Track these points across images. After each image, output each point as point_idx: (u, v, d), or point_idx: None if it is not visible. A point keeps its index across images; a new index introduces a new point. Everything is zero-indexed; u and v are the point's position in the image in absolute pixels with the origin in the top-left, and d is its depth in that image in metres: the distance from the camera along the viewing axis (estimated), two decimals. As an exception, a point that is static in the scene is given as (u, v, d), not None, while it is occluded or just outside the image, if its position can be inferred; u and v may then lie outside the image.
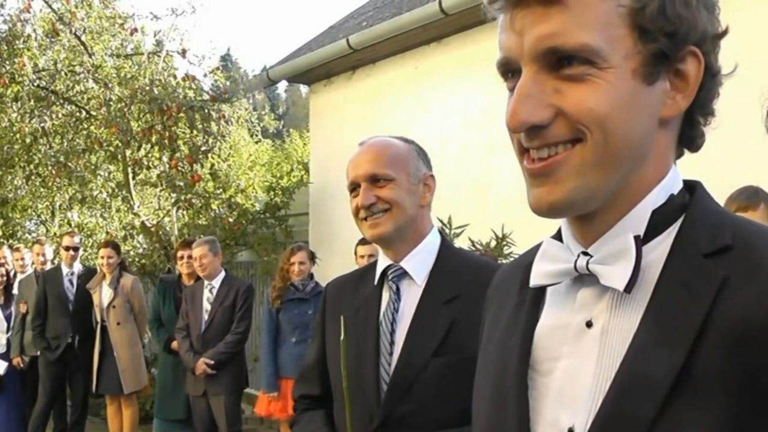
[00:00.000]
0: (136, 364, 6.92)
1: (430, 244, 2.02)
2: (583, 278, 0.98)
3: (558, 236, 1.05)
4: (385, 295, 2.00)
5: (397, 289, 1.98)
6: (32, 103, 9.09)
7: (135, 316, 6.95)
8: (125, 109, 8.35)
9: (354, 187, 1.98)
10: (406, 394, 1.86)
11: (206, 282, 5.94)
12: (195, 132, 8.36)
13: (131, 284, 6.92)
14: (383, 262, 2.02)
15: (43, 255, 7.78)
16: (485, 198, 6.22)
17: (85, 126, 9.22)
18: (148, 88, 8.29)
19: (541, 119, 0.90)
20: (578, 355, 0.96)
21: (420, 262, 1.99)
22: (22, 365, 7.41)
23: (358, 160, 1.99)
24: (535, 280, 1.03)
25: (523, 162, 0.96)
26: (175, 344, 6.20)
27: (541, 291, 1.06)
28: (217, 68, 9.37)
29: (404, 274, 1.98)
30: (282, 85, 48.88)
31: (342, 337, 1.93)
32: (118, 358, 6.81)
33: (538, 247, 1.09)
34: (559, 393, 0.97)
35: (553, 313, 1.03)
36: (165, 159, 8.57)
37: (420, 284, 1.97)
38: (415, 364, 1.87)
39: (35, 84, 8.88)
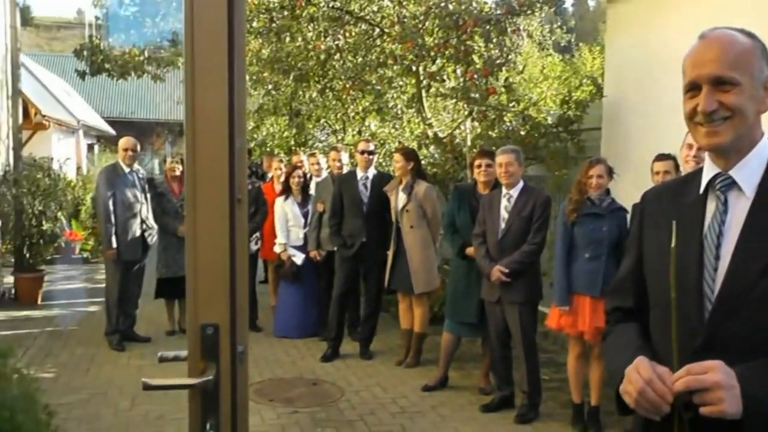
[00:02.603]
0: (428, 267, 7.20)
1: (762, 152, 1.86)
2: None
3: None
4: (710, 206, 1.88)
5: (725, 200, 1.85)
6: (326, 23, 9.56)
7: (428, 221, 7.21)
8: (419, 26, 8.54)
9: (691, 87, 1.84)
10: (732, 314, 1.76)
11: (504, 190, 5.97)
12: (490, 45, 8.36)
13: (424, 190, 7.17)
14: (710, 170, 1.90)
15: (340, 160, 8.28)
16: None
17: (378, 43, 9.55)
18: (443, 4, 8.40)
19: None
20: None
21: (750, 172, 1.84)
22: (318, 258, 8.12)
23: (701, 57, 1.83)
24: None
25: None
26: (469, 250, 6.34)
27: None
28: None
29: (732, 184, 1.85)
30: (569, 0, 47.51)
31: (673, 245, 1.84)
32: (410, 260, 7.16)
33: None
34: None
35: None
36: (459, 72, 8.68)
37: (749, 196, 1.83)
38: (743, 283, 1.75)
39: (330, 5, 9.32)
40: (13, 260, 11.13)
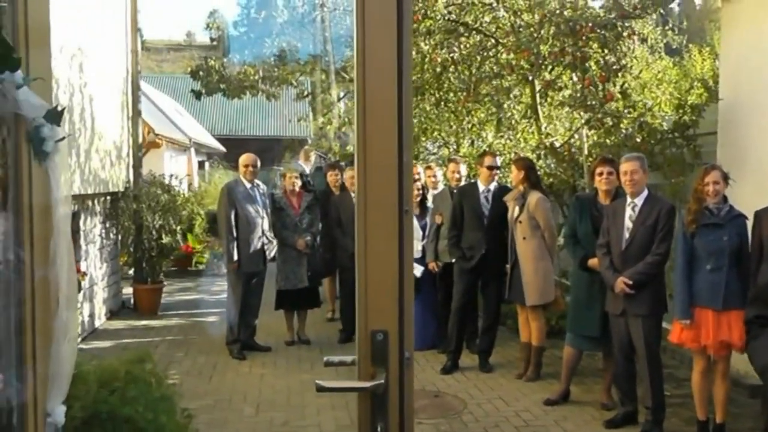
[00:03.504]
0: (541, 279, 7.10)
1: None
2: None
3: None
4: None
5: None
6: (441, 35, 9.65)
7: (542, 232, 7.14)
8: (534, 35, 8.55)
9: None
10: None
11: (629, 199, 5.84)
12: (606, 51, 8.30)
13: (536, 201, 7.08)
14: None
15: (459, 172, 8.27)
16: None
17: (492, 53, 9.59)
18: (558, 11, 8.38)
19: None
20: None
21: None
22: (436, 269, 8.14)
23: None
24: None
25: None
26: (592, 261, 6.21)
27: None
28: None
29: None
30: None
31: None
32: (523, 271, 7.11)
33: None
34: None
35: None
36: (575, 79, 8.63)
37: None
38: None
39: (445, 18, 9.40)
40: (131, 272, 11.65)
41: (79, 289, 8.66)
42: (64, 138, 2.19)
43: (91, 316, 9.59)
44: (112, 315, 10.60)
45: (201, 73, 12.66)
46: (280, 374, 7.56)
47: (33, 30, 2.15)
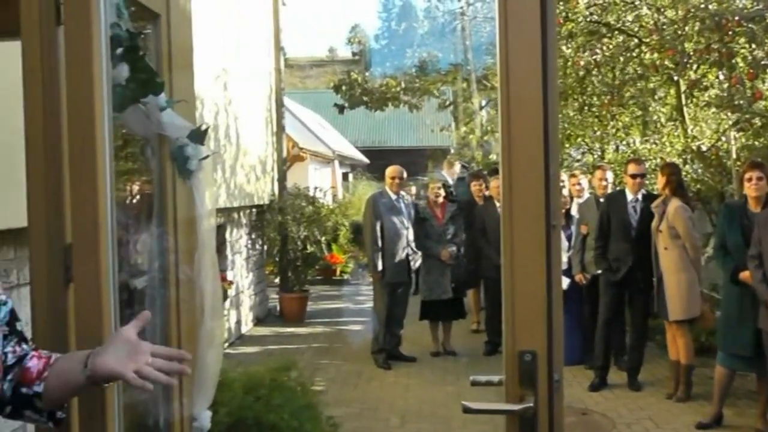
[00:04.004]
0: (684, 292, 6.67)
1: None
2: None
3: None
4: None
5: None
6: (583, 37, 9.40)
7: (683, 242, 6.70)
8: (679, 32, 8.18)
9: None
10: None
11: None
12: (754, 46, 7.80)
13: (674, 209, 6.67)
14: None
15: (605, 179, 7.98)
16: None
17: (636, 54, 9.26)
18: (702, 5, 7.98)
19: None
20: None
21: None
22: (584, 281, 7.86)
23: None
24: None
25: None
26: (744, 274, 5.75)
27: None
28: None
29: None
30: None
31: None
32: (666, 284, 6.73)
33: None
34: None
35: None
36: (722, 77, 8.19)
37: None
38: None
39: (587, 19, 9.14)
40: (277, 281, 11.99)
41: (225, 297, 8.98)
42: (207, 156, 2.25)
43: (238, 322, 9.96)
44: (258, 322, 10.96)
45: (344, 87, 12.90)
46: (425, 385, 7.55)
47: (176, 54, 2.21)
